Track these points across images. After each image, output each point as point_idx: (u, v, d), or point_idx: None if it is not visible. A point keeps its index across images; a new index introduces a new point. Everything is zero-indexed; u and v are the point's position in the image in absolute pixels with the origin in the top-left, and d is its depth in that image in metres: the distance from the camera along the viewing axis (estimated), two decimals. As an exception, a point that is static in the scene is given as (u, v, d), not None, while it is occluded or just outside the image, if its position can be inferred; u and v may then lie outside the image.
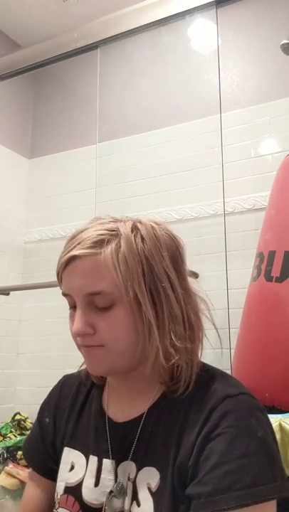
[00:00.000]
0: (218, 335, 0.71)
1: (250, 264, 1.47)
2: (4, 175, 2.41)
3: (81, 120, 2.44)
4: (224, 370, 0.71)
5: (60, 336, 2.08)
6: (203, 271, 1.73)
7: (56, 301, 2.21)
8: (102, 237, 0.64)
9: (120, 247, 0.63)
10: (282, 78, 1.95)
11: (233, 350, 1.41)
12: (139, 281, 0.62)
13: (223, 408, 0.61)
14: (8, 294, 2.14)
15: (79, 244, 0.64)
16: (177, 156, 2.12)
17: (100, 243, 0.63)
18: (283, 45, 1.71)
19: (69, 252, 0.65)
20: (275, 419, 1.06)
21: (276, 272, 1.28)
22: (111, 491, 0.65)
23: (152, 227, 0.67)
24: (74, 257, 0.64)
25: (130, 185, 2.20)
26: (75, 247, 0.64)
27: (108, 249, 0.63)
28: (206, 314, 0.70)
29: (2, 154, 2.41)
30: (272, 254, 1.31)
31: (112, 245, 0.63)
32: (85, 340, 0.65)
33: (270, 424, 0.63)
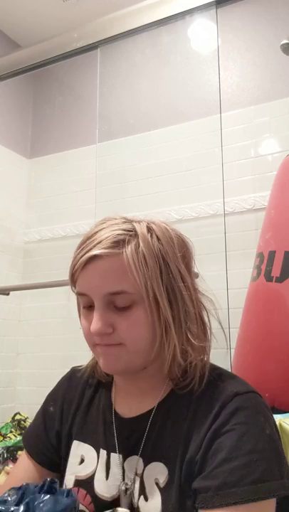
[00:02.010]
0: (225, 334, 0.73)
1: (250, 264, 1.47)
2: (4, 175, 2.41)
3: (81, 120, 2.44)
4: (224, 370, 0.71)
5: (60, 335, 2.08)
6: (203, 271, 1.72)
7: (56, 301, 2.22)
8: (121, 237, 0.64)
9: (139, 246, 0.64)
10: (282, 78, 1.95)
11: (233, 350, 1.41)
12: (157, 281, 0.64)
13: (232, 405, 0.62)
14: (8, 294, 2.14)
15: (98, 243, 0.64)
16: (177, 156, 2.12)
17: (119, 243, 0.64)
18: (283, 45, 1.71)
19: (88, 251, 0.65)
20: (274, 419, 1.06)
21: (276, 272, 1.28)
22: (127, 488, 0.66)
23: (165, 227, 0.69)
24: (94, 257, 0.64)
25: (130, 185, 2.20)
26: (94, 246, 0.64)
27: (128, 249, 0.64)
28: (212, 314, 0.72)
29: (2, 154, 2.41)
30: (272, 254, 1.31)
31: (132, 245, 0.64)
32: (104, 339, 0.65)
33: (275, 423, 0.65)
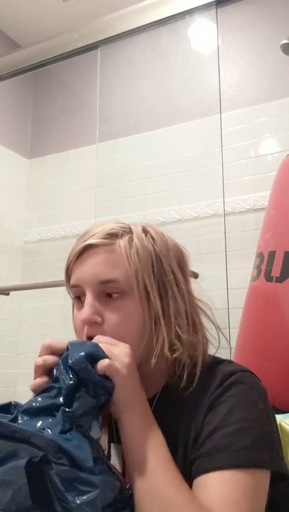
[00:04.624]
0: (220, 335, 0.73)
1: (250, 264, 1.47)
2: (4, 175, 2.41)
3: (81, 120, 2.44)
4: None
5: (60, 335, 2.06)
6: (203, 271, 1.73)
7: (56, 301, 2.21)
8: (116, 230, 0.68)
9: (133, 241, 0.67)
10: (282, 78, 1.95)
11: (233, 350, 1.41)
12: (148, 274, 0.66)
13: (229, 381, 0.64)
14: (8, 294, 2.14)
15: (93, 235, 0.67)
16: (177, 156, 2.12)
17: (113, 235, 0.67)
18: (283, 45, 1.71)
19: (83, 242, 0.67)
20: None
21: (276, 272, 1.27)
22: None
23: (161, 232, 0.71)
24: (88, 246, 0.67)
25: (130, 185, 2.20)
26: (89, 237, 0.67)
27: (122, 241, 0.67)
28: (208, 316, 0.72)
29: (2, 154, 2.40)
30: (272, 254, 1.31)
31: (125, 238, 0.67)
32: (93, 329, 0.65)
33: (270, 406, 0.65)
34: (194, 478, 0.58)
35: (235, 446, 0.57)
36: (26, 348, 2.32)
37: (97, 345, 0.60)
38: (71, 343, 0.61)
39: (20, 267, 2.44)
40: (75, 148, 2.44)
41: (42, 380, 0.61)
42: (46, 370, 0.61)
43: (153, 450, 0.58)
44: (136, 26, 1.79)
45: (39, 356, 0.64)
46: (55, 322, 2.16)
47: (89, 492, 0.49)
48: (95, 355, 0.59)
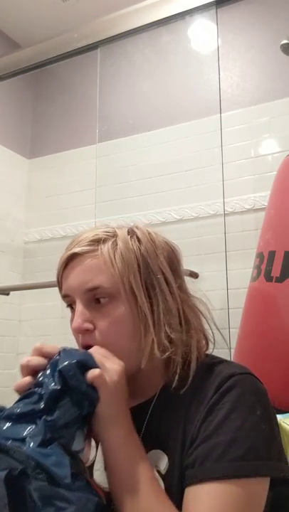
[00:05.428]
0: (221, 334, 0.73)
1: (250, 264, 1.47)
2: (4, 175, 2.41)
3: (81, 120, 2.44)
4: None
5: (60, 335, 2.06)
6: (203, 271, 1.73)
7: (56, 301, 2.21)
8: (99, 236, 0.68)
9: (117, 245, 0.67)
10: (282, 78, 1.95)
11: (233, 350, 1.41)
12: (134, 275, 0.66)
13: (227, 385, 0.63)
14: (8, 294, 2.14)
15: (77, 244, 0.68)
16: (177, 156, 2.12)
17: (97, 241, 0.67)
18: (283, 45, 1.71)
19: (68, 251, 0.68)
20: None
21: (276, 272, 1.27)
22: None
23: (148, 231, 0.71)
24: (73, 256, 0.67)
25: (130, 185, 2.20)
26: (73, 246, 0.68)
27: (105, 247, 0.67)
28: (206, 316, 0.72)
29: (2, 154, 2.41)
30: (272, 254, 1.31)
31: (109, 243, 0.67)
32: (85, 338, 0.66)
33: (271, 408, 0.64)
34: (186, 487, 0.58)
35: (229, 457, 0.56)
36: (26, 348, 2.32)
37: (89, 355, 0.60)
38: (64, 350, 0.61)
39: (20, 267, 2.44)
40: (75, 148, 2.44)
41: (25, 380, 0.60)
42: (31, 372, 0.61)
43: (136, 469, 0.57)
44: (136, 26, 1.79)
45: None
46: (55, 322, 2.16)
47: (65, 509, 0.49)
48: (86, 364, 0.58)
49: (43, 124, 2.60)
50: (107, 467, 0.60)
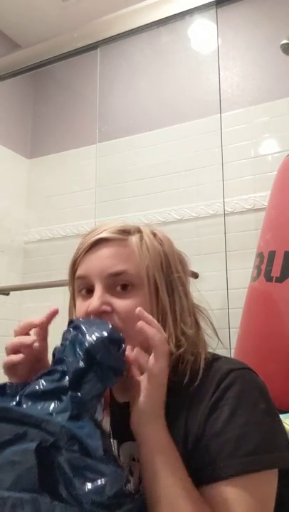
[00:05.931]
0: (218, 338, 0.74)
1: (250, 264, 1.47)
2: (4, 175, 2.41)
3: (81, 120, 2.44)
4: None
5: (60, 335, 2.06)
6: (203, 271, 1.73)
7: (56, 301, 2.21)
8: (128, 227, 0.71)
9: (143, 239, 0.70)
10: (282, 78, 1.95)
11: (233, 350, 1.41)
12: (158, 270, 0.68)
13: (227, 380, 0.63)
14: (8, 294, 2.14)
15: (106, 229, 0.70)
16: (177, 156, 2.12)
17: (125, 232, 0.70)
18: (283, 45, 1.71)
19: (96, 235, 0.69)
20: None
21: (276, 272, 1.28)
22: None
23: (167, 237, 0.75)
24: (101, 240, 0.69)
25: (130, 185, 2.20)
26: (102, 231, 0.70)
27: (133, 238, 0.70)
28: (205, 320, 0.73)
29: (2, 154, 2.40)
30: (272, 254, 1.31)
31: (137, 236, 0.70)
32: (105, 318, 0.66)
33: (272, 401, 0.66)
34: (202, 485, 0.58)
35: (239, 453, 0.57)
36: (26, 348, 2.31)
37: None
38: (79, 322, 0.61)
39: (20, 267, 2.44)
40: (75, 148, 2.44)
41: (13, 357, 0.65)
42: (15, 351, 0.66)
43: (171, 470, 0.57)
44: (136, 26, 1.79)
45: (15, 335, 0.68)
46: (55, 322, 2.16)
47: (97, 480, 0.49)
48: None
49: (43, 124, 2.60)
50: (142, 462, 0.60)
